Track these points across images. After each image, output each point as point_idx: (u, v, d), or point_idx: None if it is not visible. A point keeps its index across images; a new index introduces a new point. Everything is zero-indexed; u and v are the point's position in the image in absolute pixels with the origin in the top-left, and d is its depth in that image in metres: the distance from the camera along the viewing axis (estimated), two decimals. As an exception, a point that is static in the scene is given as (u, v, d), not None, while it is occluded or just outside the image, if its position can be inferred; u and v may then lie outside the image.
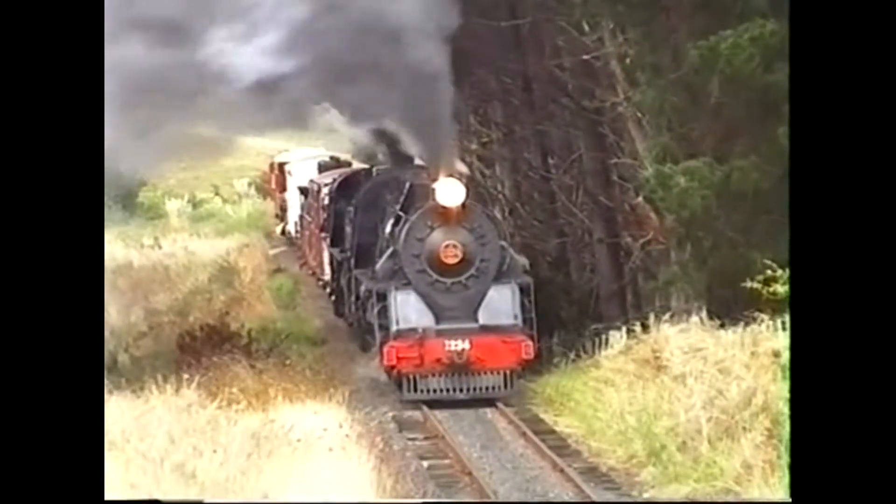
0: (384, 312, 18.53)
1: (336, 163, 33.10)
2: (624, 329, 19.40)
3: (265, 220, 47.00)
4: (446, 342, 18.18)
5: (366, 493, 13.30)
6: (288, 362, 20.11)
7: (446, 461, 15.69)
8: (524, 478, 14.82)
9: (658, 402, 15.68)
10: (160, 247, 36.64)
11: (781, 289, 13.58)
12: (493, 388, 18.19)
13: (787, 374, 13.44)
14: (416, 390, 18.21)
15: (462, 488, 14.38)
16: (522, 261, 19.37)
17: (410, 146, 19.85)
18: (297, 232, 36.77)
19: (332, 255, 25.49)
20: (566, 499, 13.79)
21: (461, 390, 18.17)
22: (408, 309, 18.37)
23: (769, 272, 13.71)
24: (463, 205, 18.38)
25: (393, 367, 18.42)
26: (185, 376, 17.36)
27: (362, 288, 20.15)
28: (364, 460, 14.30)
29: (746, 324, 17.20)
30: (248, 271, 32.65)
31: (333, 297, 25.96)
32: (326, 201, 26.32)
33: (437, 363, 18.16)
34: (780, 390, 14.36)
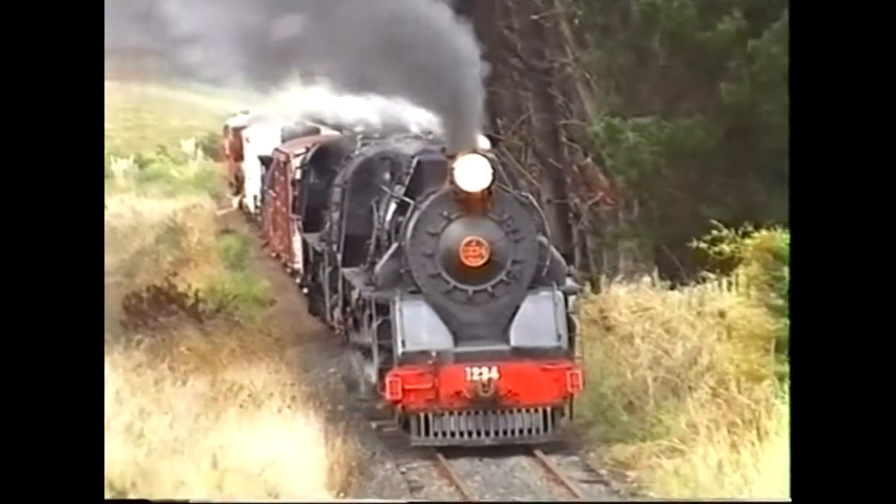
0: (386, 329, 14.24)
1: (303, 128, 28.90)
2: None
3: (213, 181, 46.70)
4: (468, 370, 13.96)
5: (314, 453, 13.33)
6: (236, 321, 20.06)
7: (395, 421, 15.73)
8: (472, 437, 14.84)
9: (605, 362, 15.79)
10: (106, 207, 36.25)
11: (727, 248, 13.69)
12: (530, 430, 14.03)
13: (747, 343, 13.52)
14: (428, 433, 14.06)
15: (410, 449, 14.44)
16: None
17: (414, 114, 16.40)
18: (257, 208, 32.96)
19: (306, 243, 21.18)
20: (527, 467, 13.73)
21: (488, 433, 14.03)
22: (418, 325, 14.11)
23: (715, 232, 13.82)
24: (489, 189, 14.16)
25: (398, 403, 14.15)
26: (137, 337, 17.27)
27: (354, 294, 15.79)
28: (312, 421, 14.33)
29: (695, 284, 17.40)
30: (196, 232, 32.45)
31: (306, 291, 22.04)
32: (298, 175, 22.04)
33: (457, 397, 14.00)
34: (725, 350, 14.52)
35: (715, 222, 13.85)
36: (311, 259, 20.89)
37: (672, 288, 18.29)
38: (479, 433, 14.05)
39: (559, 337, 14.16)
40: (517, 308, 14.26)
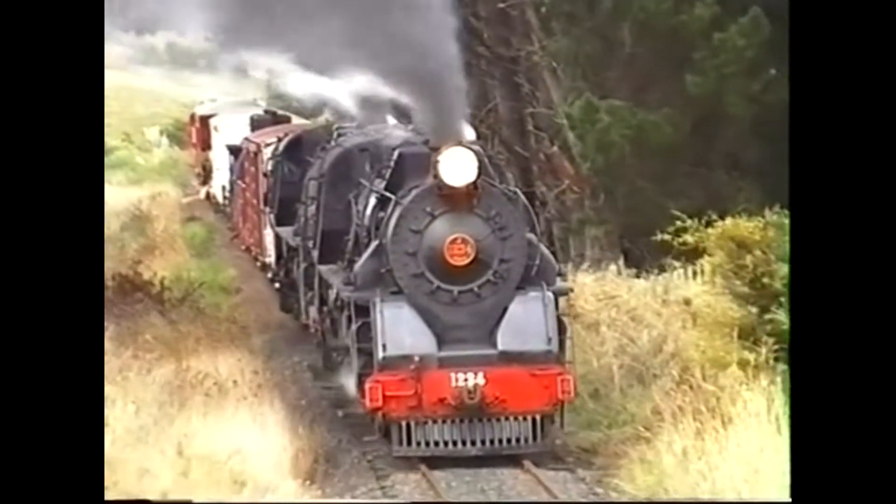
0: (365, 332, 13.45)
1: (273, 118, 28.64)
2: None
3: (179, 169, 46.52)
4: (453, 376, 13.17)
5: (280, 442, 13.33)
6: (202, 309, 19.99)
7: (361, 411, 15.73)
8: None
9: (571, 350, 15.84)
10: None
11: (691, 238, 13.75)
12: (518, 439, 13.23)
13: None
14: (410, 443, 13.28)
15: (378, 439, 14.44)
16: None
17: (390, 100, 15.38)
18: (225, 198, 32.13)
19: (279, 237, 20.55)
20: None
21: (473, 443, 13.24)
22: (399, 328, 13.30)
23: (679, 223, 13.88)
24: (475, 184, 13.40)
25: (378, 410, 13.35)
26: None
27: (332, 293, 15.06)
28: (278, 408, 14.31)
29: (661, 272, 17.51)
30: (161, 220, 32.33)
31: (277, 286, 21.53)
32: (270, 167, 21.36)
33: (441, 405, 13.20)
34: (689, 337, 14.60)
35: (678, 213, 13.92)
36: (285, 254, 20.14)
37: (638, 276, 18.39)
38: (464, 443, 13.27)
39: (549, 340, 13.32)
40: (505, 310, 13.45)
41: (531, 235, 13.78)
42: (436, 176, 13.44)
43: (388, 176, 14.34)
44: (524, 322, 13.41)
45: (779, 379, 12.28)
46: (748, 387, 12.31)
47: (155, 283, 20.37)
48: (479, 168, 13.40)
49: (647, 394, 14.02)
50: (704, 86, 19.40)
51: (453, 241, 13.41)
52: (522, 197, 14.17)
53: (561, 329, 13.59)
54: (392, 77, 13.95)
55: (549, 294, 13.51)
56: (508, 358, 13.31)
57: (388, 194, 14.03)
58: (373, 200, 14.47)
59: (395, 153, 14.47)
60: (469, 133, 14.23)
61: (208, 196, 37.32)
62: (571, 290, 14.27)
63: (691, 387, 13.04)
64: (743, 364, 12.70)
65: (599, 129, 19.56)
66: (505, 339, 13.37)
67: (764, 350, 12.65)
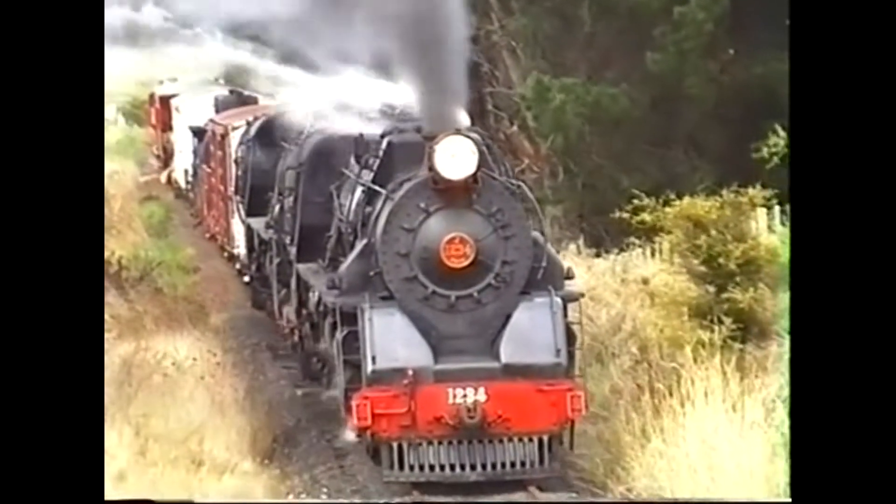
0: (352, 342, 11.99)
1: (239, 98, 27.09)
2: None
3: (136, 147, 46.25)
4: (450, 391, 11.73)
5: (238, 422, 13.32)
6: (160, 289, 19.93)
7: (320, 389, 15.74)
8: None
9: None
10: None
11: (648, 217, 13.78)
12: (523, 463, 11.76)
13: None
14: (402, 466, 11.77)
15: (336, 416, 14.46)
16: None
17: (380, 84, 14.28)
18: (188, 183, 30.71)
19: (250, 229, 19.22)
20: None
21: (473, 467, 11.73)
22: (390, 338, 11.83)
23: (637, 201, 13.90)
24: (475, 177, 11.98)
25: (366, 430, 11.86)
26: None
27: (313, 297, 13.64)
28: (236, 388, 14.30)
29: (620, 251, 17.60)
30: (118, 199, 32.08)
31: (248, 279, 20.31)
32: (240, 153, 20.14)
33: (437, 424, 11.73)
34: (647, 317, 14.69)
35: (636, 192, 13.95)
36: (257, 247, 18.81)
37: (598, 255, 18.47)
38: (462, 467, 11.74)
39: (558, 352, 11.84)
40: (508, 317, 12.00)
41: (537, 234, 12.35)
42: (430, 168, 11.94)
43: (375, 167, 12.83)
44: (530, 331, 11.97)
45: (734, 358, 12.39)
46: (705, 366, 12.40)
47: (112, 263, 20.26)
48: (480, 159, 11.92)
49: (605, 373, 14.08)
50: (664, 62, 19.48)
51: (450, 241, 11.93)
52: (527, 191, 12.71)
53: (570, 339, 12.17)
54: (380, 55, 12.78)
55: (558, 300, 12.06)
56: (512, 371, 11.82)
57: (376, 188, 12.55)
58: (358, 194, 12.99)
59: (384, 141, 12.93)
60: (465, 118, 12.54)
61: (169, 180, 36.29)
62: (582, 294, 12.87)
63: (649, 365, 13.13)
64: (699, 343, 12.79)
65: (554, 108, 19.61)
66: (508, 351, 11.92)
67: (720, 329, 12.74)
